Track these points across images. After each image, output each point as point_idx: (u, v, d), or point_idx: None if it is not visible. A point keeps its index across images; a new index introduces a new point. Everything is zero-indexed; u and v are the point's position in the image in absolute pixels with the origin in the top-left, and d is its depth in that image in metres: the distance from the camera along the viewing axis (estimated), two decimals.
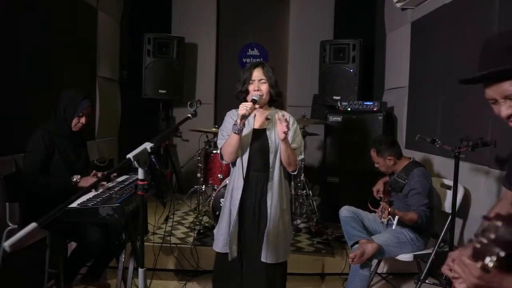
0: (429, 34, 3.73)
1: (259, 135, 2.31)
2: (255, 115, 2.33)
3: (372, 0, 5.30)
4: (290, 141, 2.24)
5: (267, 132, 2.30)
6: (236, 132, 2.15)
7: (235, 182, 2.30)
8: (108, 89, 4.66)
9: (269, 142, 2.28)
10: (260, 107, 2.32)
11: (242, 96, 2.33)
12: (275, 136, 2.28)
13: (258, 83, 2.27)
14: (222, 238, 2.32)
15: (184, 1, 5.55)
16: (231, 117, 2.35)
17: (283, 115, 2.27)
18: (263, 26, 5.71)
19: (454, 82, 3.28)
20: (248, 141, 2.28)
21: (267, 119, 2.32)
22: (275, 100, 2.36)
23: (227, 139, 2.26)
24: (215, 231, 2.43)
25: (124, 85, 5.11)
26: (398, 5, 4.10)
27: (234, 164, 2.35)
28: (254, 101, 2.18)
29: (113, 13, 4.75)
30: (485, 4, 2.82)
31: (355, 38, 4.75)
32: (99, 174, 2.58)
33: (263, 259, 2.25)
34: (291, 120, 2.35)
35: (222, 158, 2.34)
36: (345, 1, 5.45)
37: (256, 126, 2.33)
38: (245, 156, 2.27)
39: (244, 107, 2.10)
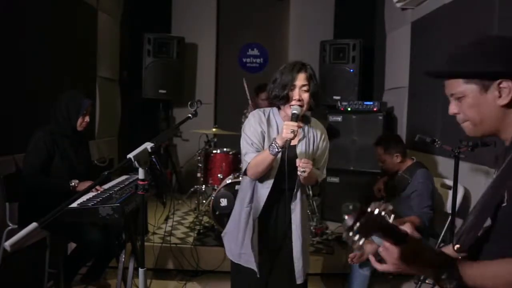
0: (429, 34, 3.73)
1: (290, 151, 1.99)
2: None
3: (372, 0, 5.31)
4: (316, 162, 2.05)
5: (297, 148, 2.05)
6: (274, 154, 1.87)
7: (257, 199, 2.06)
8: (108, 89, 4.66)
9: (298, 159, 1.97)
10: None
11: (281, 102, 1.97)
12: (306, 152, 2.04)
13: (300, 91, 1.94)
14: (236, 247, 2.13)
15: (184, 1, 5.55)
16: (258, 124, 2.03)
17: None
18: (263, 26, 5.71)
19: None
20: (278, 157, 1.97)
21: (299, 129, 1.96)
22: (311, 110, 2.04)
23: (258, 156, 1.95)
24: (227, 237, 2.23)
25: (124, 85, 5.11)
26: (398, 5, 4.10)
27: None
28: (296, 117, 1.87)
29: (113, 13, 4.76)
30: (485, 4, 2.82)
31: (355, 38, 4.75)
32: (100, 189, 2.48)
33: (298, 281, 2.10)
34: (323, 136, 2.11)
35: (245, 173, 2.04)
36: (345, 1, 5.45)
37: None
38: (272, 172, 2.02)
39: (290, 130, 1.79)
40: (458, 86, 1.09)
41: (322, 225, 3.92)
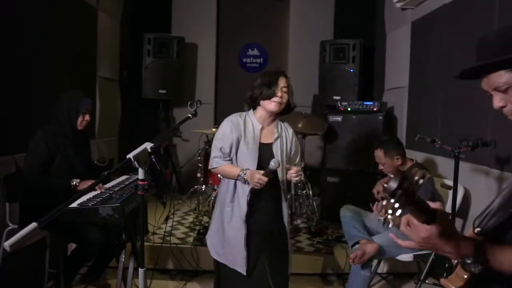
0: (429, 34, 3.73)
1: (266, 150, 2.23)
2: (262, 127, 2.25)
3: (372, 0, 5.31)
4: (292, 159, 2.32)
5: (273, 147, 2.24)
6: (242, 182, 2.13)
7: (240, 199, 2.20)
8: (108, 89, 4.66)
9: (275, 158, 2.17)
10: (271, 119, 2.28)
11: (267, 97, 2.17)
12: (281, 151, 2.23)
13: (281, 91, 2.18)
14: (220, 247, 2.25)
15: (184, 1, 5.55)
16: (234, 131, 2.20)
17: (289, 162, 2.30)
18: (263, 26, 5.71)
19: (454, 82, 3.29)
20: (255, 156, 2.19)
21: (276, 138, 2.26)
22: (285, 112, 2.29)
23: (226, 168, 2.19)
24: (211, 239, 2.33)
25: (124, 85, 5.11)
26: (398, 5, 4.10)
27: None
28: (271, 173, 2.06)
29: (113, 13, 4.76)
30: (485, 4, 2.82)
31: (355, 38, 4.75)
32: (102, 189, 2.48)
33: (290, 272, 2.33)
34: (293, 136, 2.35)
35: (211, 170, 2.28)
36: (345, 1, 5.45)
37: (263, 140, 2.25)
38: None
39: (259, 184, 2.04)
40: (501, 77, 1.06)
41: (322, 225, 3.92)
